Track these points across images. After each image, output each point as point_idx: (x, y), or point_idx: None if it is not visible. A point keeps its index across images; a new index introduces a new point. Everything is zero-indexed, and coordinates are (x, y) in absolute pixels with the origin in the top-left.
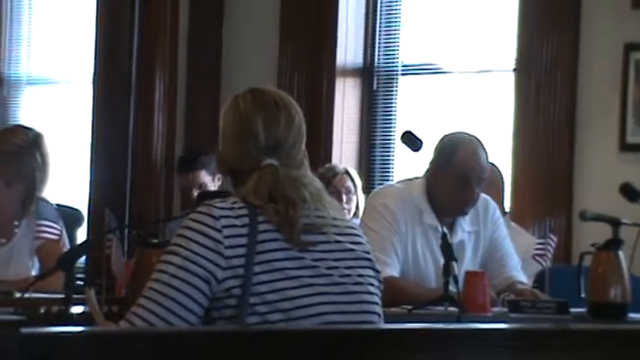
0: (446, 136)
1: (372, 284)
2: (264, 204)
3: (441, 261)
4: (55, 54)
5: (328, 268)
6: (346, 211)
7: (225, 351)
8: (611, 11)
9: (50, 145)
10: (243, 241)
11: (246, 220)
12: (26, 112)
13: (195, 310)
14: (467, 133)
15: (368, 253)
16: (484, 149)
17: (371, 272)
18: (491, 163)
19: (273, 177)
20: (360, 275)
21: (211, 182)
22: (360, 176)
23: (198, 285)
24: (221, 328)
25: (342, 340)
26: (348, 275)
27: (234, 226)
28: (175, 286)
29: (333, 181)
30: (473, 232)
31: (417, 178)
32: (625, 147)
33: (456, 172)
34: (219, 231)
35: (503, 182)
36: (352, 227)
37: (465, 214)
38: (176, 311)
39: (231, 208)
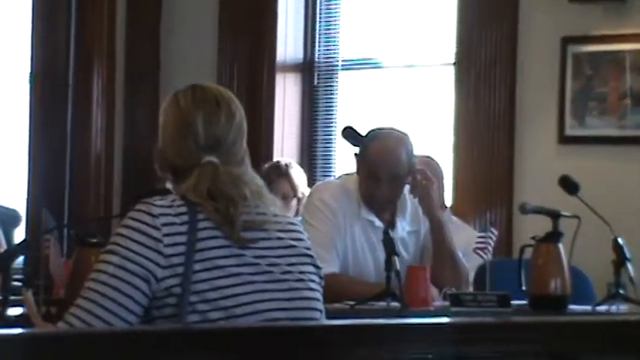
0: (372, 130)
1: (313, 281)
2: (204, 201)
3: (381, 256)
4: None
5: (269, 265)
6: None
7: (164, 350)
8: (548, 4)
9: None
10: (183, 239)
11: (185, 218)
12: None
13: (134, 310)
14: (393, 129)
15: (309, 249)
16: (406, 146)
17: (312, 269)
18: (430, 158)
19: (212, 174)
20: (302, 272)
21: None
22: None
23: (138, 284)
24: (160, 327)
25: (283, 338)
26: (290, 272)
27: (174, 224)
28: (114, 285)
29: (275, 181)
30: (413, 232)
31: (352, 173)
32: (564, 139)
33: (366, 165)
34: (158, 229)
35: (442, 177)
36: (293, 223)
37: (379, 207)
38: (115, 311)
39: (171, 206)
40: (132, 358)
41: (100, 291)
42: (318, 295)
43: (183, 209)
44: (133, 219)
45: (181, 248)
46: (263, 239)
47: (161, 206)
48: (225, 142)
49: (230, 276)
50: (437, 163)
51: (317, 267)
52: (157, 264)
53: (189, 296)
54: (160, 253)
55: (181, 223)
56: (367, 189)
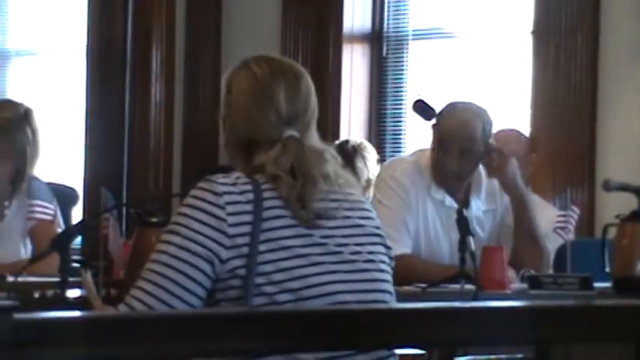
0: (451, 102)
1: (383, 261)
2: (285, 175)
3: (455, 237)
4: (44, 24)
5: (337, 245)
6: None
7: (229, 334)
8: None
9: (41, 120)
10: (248, 218)
11: (250, 196)
12: (13, 86)
13: (197, 292)
14: (471, 103)
15: (378, 228)
16: (483, 122)
17: (382, 249)
18: (518, 131)
19: (297, 149)
20: (371, 252)
21: None
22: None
23: (201, 266)
24: (225, 310)
25: (354, 321)
26: (359, 252)
27: (238, 202)
28: (176, 267)
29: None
30: (490, 211)
31: (427, 149)
32: None
33: (438, 136)
34: (222, 208)
35: (528, 152)
36: (362, 202)
37: (447, 183)
38: (177, 294)
39: (235, 184)
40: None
41: (162, 272)
42: (388, 277)
43: (249, 187)
44: (196, 197)
45: (246, 228)
46: (334, 225)
47: (225, 184)
48: (305, 116)
49: (297, 257)
50: (525, 138)
51: (387, 247)
52: (221, 244)
53: (255, 278)
54: (224, 233)
55: (246, 202)
56: (436, 162)
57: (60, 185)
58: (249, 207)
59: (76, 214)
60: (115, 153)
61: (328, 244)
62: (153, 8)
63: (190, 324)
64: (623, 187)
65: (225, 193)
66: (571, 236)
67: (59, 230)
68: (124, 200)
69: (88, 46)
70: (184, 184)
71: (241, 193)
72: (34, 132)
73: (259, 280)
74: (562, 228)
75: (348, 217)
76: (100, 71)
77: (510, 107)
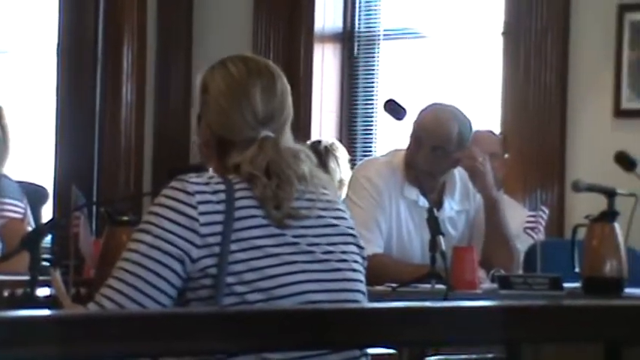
0: (433, 103)
1: (356, 261)
2: (259, 175)
3: (427, 236)
4: (14, 22)
5: (310, 245)
6: None
7: (200, 334)
8: None
9: (11, 118)
10: (220, 218)
11: (222, 196)
12: None
13: (168, 291)
14: (454, 107)
15: (352, 228)
16: (460, 124)
17: (355, 249)
18: (493, 133)
19: (273, 149)
20: (344, 252)
21: None
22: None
23: (172, 265)
24: (195, 309)
25: (325, 320)
26: (331, 252)
27: (210, 202)
28: (147, 266)
29: (326, 158)
30: (463, 211)
31: (402, 149)
32: (620, 113)
33: (414, 131)
34: (194, 207)
35: (503, 153)
36: (336, 202)
37: (418, 180)
38: (148, 292)
39: (207, 183)
40: (164, 341)
41: (132, 271)
42: (361, 277)
43: (221, 187)
44: (168, 197)
45: (218, 227)
46: (304, 224)
47: (197, 183)
48: (280, 116)
49: (269, 256)
50: (499, 138)
51: (360, 247)
52: (193, 243)
53: (226, 277)
54: (195, 232)
55: (218, 202)
56: (410, 158)
57: (30, 183)
58: (221, 207)
59: (46, 213)
60: (86, 151)
61: (300, 243)
62: (124, 7)
63: (161, 323)
64: (593, 188)
65: (198, 192)
66: (541, 236)
67: (29, 228)
68: (95, 199)
69: (58, 44)
70: (155, 183)
71: (214, 192)
72: (4, 130)
73: (230, 279)
74: (532, 228)
75: (322, 217)
76: (70, 70)
77: (481, 108)
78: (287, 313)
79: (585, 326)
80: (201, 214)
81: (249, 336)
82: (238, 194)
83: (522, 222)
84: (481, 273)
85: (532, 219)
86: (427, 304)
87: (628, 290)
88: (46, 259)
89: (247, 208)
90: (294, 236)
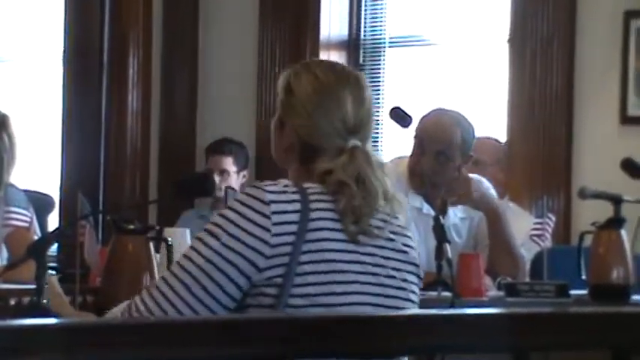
0: (436, 108)
1: (414, 292)
2: (351, 184)
3: (432, 244)
4: (20, 31)
5: (375, 266)
6: None
7: (198, 342)
8: None
9: (18, 127)
10: (293, 228)
11: (298, 205)
12: None
13: (222, 301)
14: (457, 112)
15: (416, 258)
16: (462, 130)
17: (415, 279)
18: (496, 140)
19: (364, 160)
20: (405, 280)
21: (235, 174)
22: None
23: (234, 277)
24: (195, 318)
25: (330, 330)
26: (393, 277)
27: (285, 212)
28: (209, 273)
29: None
30: (467, 218)
31: (405, 156)
32: (626, 120)
33: (416, 136)
34: (267, 217)
35: (508, 160)
36: (406, 228)
37: (423, 189)
38: (203, 300)
39: (284, 192)
40: (171, 349)
41: (194, 274)
42: (415, 308)
43: (297, 196)
44: (242, 203)
45: (290, 238)
46: (378, 244)
47: (273, 192)
48: (367, 126)
49: (336, 272)
50: (501, 145)
51: (420, 278)
52: (261, 254)
53: (291, 288)
54: (266, 242)
55: (293, 211)
56: (413, 164)
57: (36, 192)
58: (295, 217)
59: (52, 221)
60: (92, 160)
61: (368, 263)
62: (129, 15)
63: (168, 331)
64: (599, 195)
65: (273, 202)
66: (547, 244)
67: (35, 237)
68: (101, 207)
69: (64, 52)
70: (161, 191)
71: (290, 202)
72: (10, 139)
73: (294, 290)
74: (538, 235)
75: (392, 240)
76: (76, 78)
77: (487, 115)
78: (294, 321)
79: (592, 333)
80: (275, 224)
81: (249, 344)
82: (314, 205)
83: (528, 229)
84: (487, 280)
85: (539, 226)
86: (433, 311)
87: (635, 297)
88: (52, 268)
89: (323, 219)
90: (364, 254)
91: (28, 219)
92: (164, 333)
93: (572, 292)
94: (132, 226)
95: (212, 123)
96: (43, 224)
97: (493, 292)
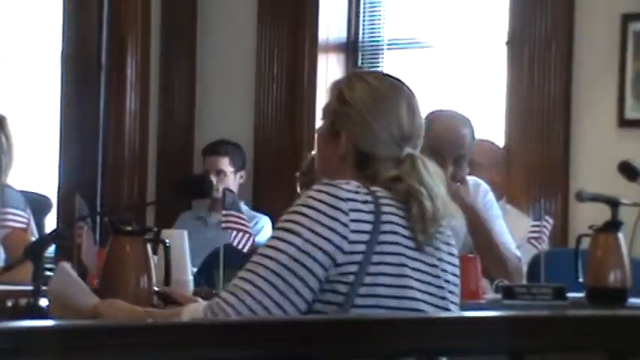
0: (431, 112)
1: (454, 303)
2: (422, 191)
3: None
4: (17, 32)
5: (431, 276)
6: None
7: (198, 343)
8: None
9: (16, 128)
10: (368, 227)
11: (371, 206)
12: None
13: (307, 297)
14: (454, 111)
15: (458, 265)
16: (467, 126)
17: (456, 290)
18: (492, 143)
19: (424, 169)
20: (451, 292)
21: (232, 175)
22: None
23: (317, 272)
24: (195, 320)
25: (327, 331)
26: (442, 288)
27: (361, 210)
28: (294, 270)
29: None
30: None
31: None
32: (624, 123)
33: (429, 145)
34: (346, 214)
35: (502, 161)
36: (451, 236)
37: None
38: (291, 297)
39: (357, 192)
40: (168, 351)
41: (279, 273)
42: None
43: (369, 198)
44: (319, 200)
45: (365, 237)
46: (437, 249)
47: (349, 190)
48: (419, 135)
49: (402, 276)
50: (499, 148)
51: (457, 287)
52: (341, 249)
53: (359, 288)
54: (345, 238)
55: (368, 212)
56: None
57: (33, 193)
58: (369, 217)
59: (50, 223)
60: (90, 161)
61: (429, 273)
62: (128, 17)
63: (166, 333)
64: (596, 198)
65: (350, 199)
66: (544, 246)
67: (33, 238)
68: (98, 208)
69: (62, 54)
70: (158, 193)
71: (364, 202)
72: (8, 140)
73: (362, 290)
74: (536, 238)
75: (448, 246)
76: (74, 79)
77: (485, 117)
78: (286, 324)
79: (589, 336)
80: (352, 221)
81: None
82: (385, 209)
83: (526, 232)
84: (485, 283)
85: (536, 229)
86: (430, 314)
87: (632, 300)
88: (49, 269)
89: (393, 224)
90: (426, 263)
91: (25, 220)
92: (162, 335)
93: (570, 295)
94: (129, 228)
95: (210, 125)
96: (40, 225)
97: (490, 295)
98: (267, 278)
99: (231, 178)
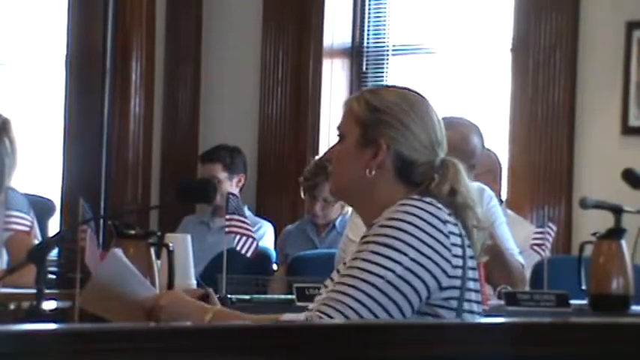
0: (443, 119)
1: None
2: (473, 206)
3: None
4: (22, 34)
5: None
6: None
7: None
8: None
9: (19, 130)
10: (459, 251)
11: (457, 228)
12: None
13: (408, 316)
14: (462, 118)
15: None
16: (478, 135)
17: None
18: (488, 150)
19: (461, 174)
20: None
21: (226, 180)
22: None
23: (421, 292)
24: (198, 325)
25: (332, 337)
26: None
27: (455, 234)
28: (401, 289)
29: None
30: None
31: None
32: (627, 130)
33: None
34: (447, 236)
35: (501, 169)
36: None
37: None
38: (394, 315)
39: (450, 214)
40: (174, 357)
41: (384, 291)
42: None
43: (453, 219)
44: (422, 219)
45: (460, 261)
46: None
47: (445, 211)
48: (443, 141)
49: (473, 291)
50: (495, 155)
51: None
52: (445, 272)
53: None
54: (449, 261)
55: (458, 235)
56: None
57: (37, 196)
58: (459, 240)
59: (53, 226)
60: (93, 164)
61: (477, 280)
62: (133, 20)
63: (171, 338)
64: (600, 205)
65: (448, 222)
66: (548, 253)
67: (36, 241)
68: (102, 212)
69: (67, 57)
70: (162, 197)
71: (454, 224)
72: (11, 142)
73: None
74: (539, 245)
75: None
76: (79, 82)
77: (489, 123)
78: (286, 329)
79: (592, 343)
80: (452, 245)
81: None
82: (462, 230)
83: (528, 238)
84: (488, 289)
85: (539, 235)
86: (433, 321)
87: (634, 307)
88: (52, 273)
89: (463, 238)
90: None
91: (29, 223)
92: (167, 339)
93: (572, 301)
94: (133, 232)
95: (214, 129)
96: (43, 228)
97: (493, 301)
98: (370, 294)
99: (226, 184)
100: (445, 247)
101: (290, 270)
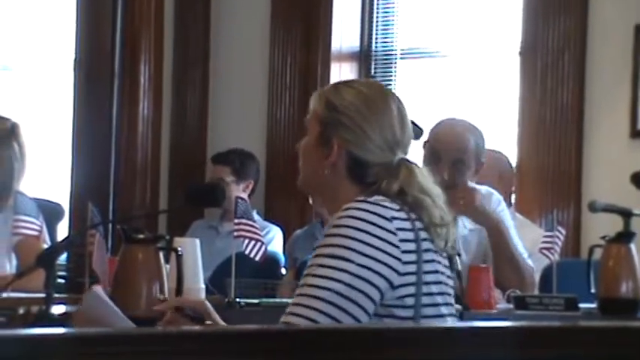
0: (443, 119)
1: (453, 306)
2: (429, 201)
3: None
4: (30, 37)
5: (447, 277)
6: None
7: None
8: None
9: (28, 135)
10: (412, 246)
11: (409, 223)
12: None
13: (363, 321)
14: (463, 120)
15: None
16: (475, 136)
17: (453, 293)
18: (499, 152)
19: (420, 174)
20: (450, 294)
21: (233, 184)
22: None
23: (373, 296)
24: (194, 329)
25: (338, 340)
26: (449, 294)
27: (404, 229)
28: (350, 297)
29: None
30: (476, 230)
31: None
32: (636, 134)
33: (430, 146)
34: (394, 234)
35: (511, 173)
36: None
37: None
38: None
39: (399, 209)
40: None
41: (334, 302)
42: None
43: (404, 214)
44: (364, 220)
45: (413, 256)
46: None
47: (391, 208)
48: (409, 141)
49: (438, 283)
50: (506, 159)
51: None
52: (396, 271)
53: (421, 308)
54: (398, 259)
55: (410, 229)
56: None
57: (46, 200)
58: (411, 235)
59: (62, 230)
60: (102, 169)
61: (444, 273)
62: (141, 22)
63: (176, 342)
64: (609, 209)
65: (394, 218)
66: (557, 257)
67: (45, 246)
68: (111, 216)
69: (75, 59)
70: (171, 201)
71: (405, 219)
72: (20, 147)
73: (425, 310)
74: (548, 249)
75: (445, 264)
76: (87, 85)
77: (498, 127)
78: (289, 333)
79: (601, 347)
80: (401, 241)
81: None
82: (417, 224)
83: (537, 241)
84: (497, 293)
85: (548, 239)
86: (442, 324)
87: None
88: (61, 277)
89: (427, 240)
90: (445, 266)
91: (38, 227)
92: (173, 343)
93: (582, 305)
94: (142, 236)
95: (222, 133)
96: (52, 233)
97: (502, 305)
98: (320, 309)
99: (233, 187)
100: (392, 244)
101: (299, 274)
